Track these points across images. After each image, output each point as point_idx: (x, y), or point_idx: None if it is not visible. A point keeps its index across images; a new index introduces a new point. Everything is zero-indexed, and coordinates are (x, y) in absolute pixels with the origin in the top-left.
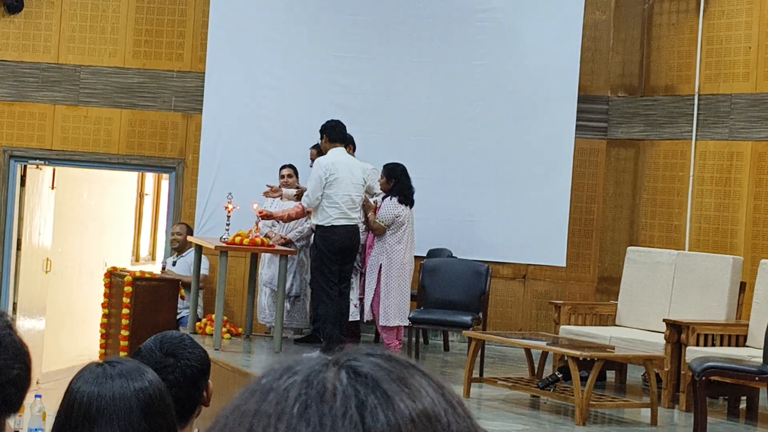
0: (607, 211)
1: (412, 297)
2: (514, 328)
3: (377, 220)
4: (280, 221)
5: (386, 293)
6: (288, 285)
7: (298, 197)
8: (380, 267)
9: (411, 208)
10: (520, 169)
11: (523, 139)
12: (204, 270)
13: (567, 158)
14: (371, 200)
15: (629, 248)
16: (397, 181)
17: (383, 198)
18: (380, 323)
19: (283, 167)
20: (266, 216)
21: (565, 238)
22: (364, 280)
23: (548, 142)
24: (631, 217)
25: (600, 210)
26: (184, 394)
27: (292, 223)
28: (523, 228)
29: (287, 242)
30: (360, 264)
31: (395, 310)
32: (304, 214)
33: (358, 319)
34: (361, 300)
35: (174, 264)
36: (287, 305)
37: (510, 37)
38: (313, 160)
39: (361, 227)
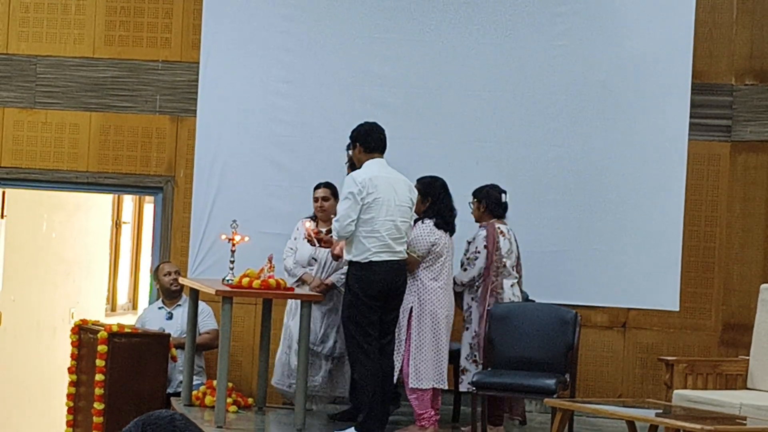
0: (732, 236)
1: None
2: (611, 394)
3: (408, 251)
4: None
5: (418, 346)
6: (330, 343)
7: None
8: (410, 311)
9: (451, 235)
10: (615, 183)
11: (620, 144)
12: (209, 324)
13: (678, 168)
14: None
15: (763, 286)
16: (434, 200)
17: (415, 221)
18: (410, 385)
19: (318, 187)
20: (324, 241)
21: (677, 273)
22: None
23: (653, 147)
24: (766, 245)
25: (723, 236)
26: None
27: (334, 263)
28: (621, 261)
29: (328, 288)
30: None
31: (430, 367)
32: None
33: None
34: None
35: (170, 317)
36: (328, 366)
37: (601, 9)
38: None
39: None
